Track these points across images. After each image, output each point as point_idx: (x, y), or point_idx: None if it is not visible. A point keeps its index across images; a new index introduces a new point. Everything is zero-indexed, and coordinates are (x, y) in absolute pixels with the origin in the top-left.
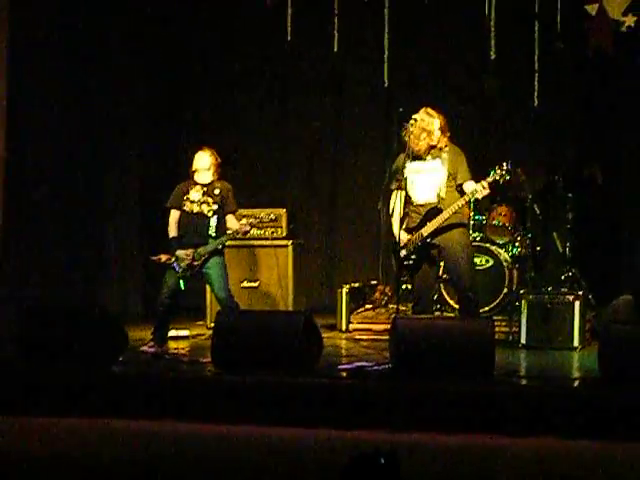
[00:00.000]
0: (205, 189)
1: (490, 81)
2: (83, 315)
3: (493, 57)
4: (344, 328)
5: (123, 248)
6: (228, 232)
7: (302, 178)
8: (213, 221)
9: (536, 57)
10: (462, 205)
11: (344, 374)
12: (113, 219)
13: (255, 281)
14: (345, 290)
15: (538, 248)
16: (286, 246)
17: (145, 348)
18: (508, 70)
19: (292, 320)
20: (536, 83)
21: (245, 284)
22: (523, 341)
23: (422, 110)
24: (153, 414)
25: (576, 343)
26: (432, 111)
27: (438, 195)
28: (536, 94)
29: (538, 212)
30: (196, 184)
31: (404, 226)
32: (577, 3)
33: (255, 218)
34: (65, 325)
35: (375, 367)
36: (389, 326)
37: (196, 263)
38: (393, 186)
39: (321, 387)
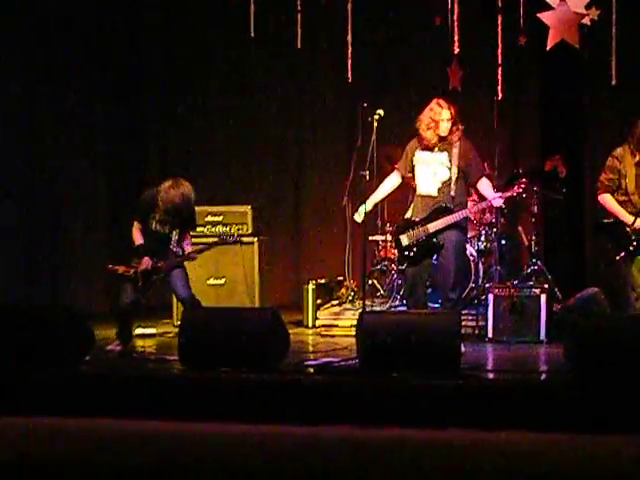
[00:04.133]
0: (170, 210)
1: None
2: (49, 315)
3: (457, 51)
4: (310, 324)
5: (90, 247)
6: (177, 258)
7: (267, 175)
8: (174, 237)
9: (500, 50)
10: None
11: (311, 370)
12: (80, 218)
13: (221, 278)
14: (311, 286)
15: (504, 242)
16: (252, 243)
17: (111, 347)
18: (472, 63)
19: (258, 317)
20: (499, 76)
21: (211, 281)
22: (489, 335)
23: (434, 100)
24: (120, 413)
25: (542, 336)
26: (443, 102)
27: (440, 190)
28: (499, 87)
29: (504, 205)
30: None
31: (410, 214)
32: None
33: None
34: (31, 325)
35: (342, 363)
36: (355, 321)
37: (155, 277)
38: (399, 169)
39: (288, 383)
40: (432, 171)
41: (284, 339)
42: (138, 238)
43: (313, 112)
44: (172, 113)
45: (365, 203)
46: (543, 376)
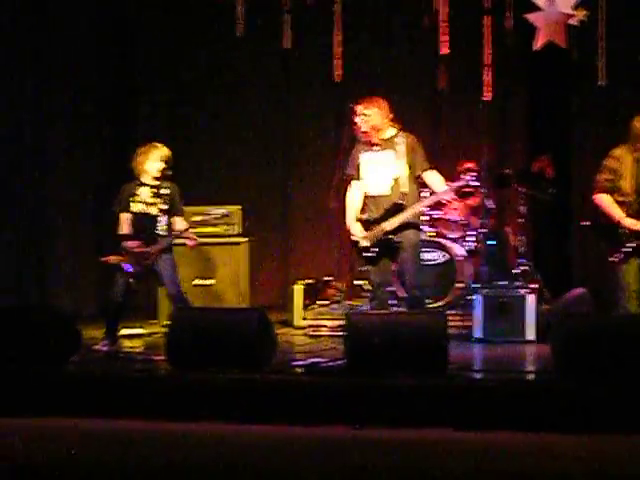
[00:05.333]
0: (154, 190)
1: None
2: (35, 315)
3: (445, 52)
4: (298, 324)
5: (75, 246)
6: (174, 233)
7: (256, 175)
8: (162, 221)
9: (487, 51)
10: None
11: (298, 370)
12: (65, 216)
13: (209, 279)
14: (299, 286)
15: (491, 242)
16: (240, 243)
17: (98, 347)
18: (459, 64)
19: (246, 317)
20: (487, 77)
21: (198, 282)
22: (477, 335)
23: (363, 100)
24: (106, 413)
25: (530, 337)
26: (371, 99)
27: (393, 188)
28: (487, 88)
29: (492, 206)
30: (143, 184)
31: (364, 216)
32: None
33: (205, 216)
34: (17, 325)
35: (329, 363)
36: (343, 322)
37: (147, 262)
38: (348, 174)
39: (275, 383)
40: (380, 170)
41: (272, 339)
42: (124, 228)
43: (301, 112)
44: (159, 114)
45: (352, 225)
46: (531, 376)
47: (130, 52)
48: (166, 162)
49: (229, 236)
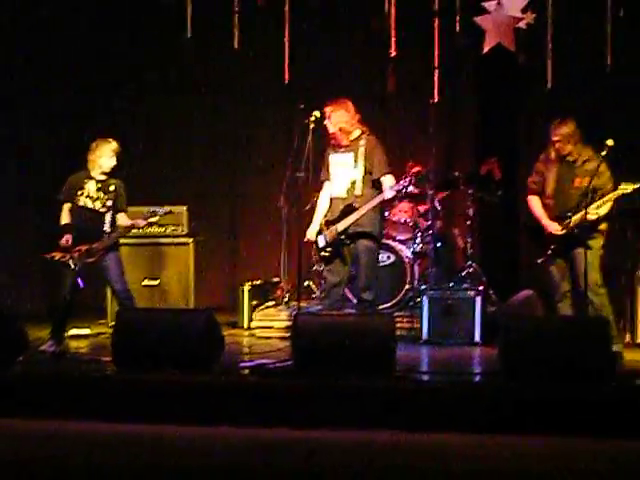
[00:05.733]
0: (100, 185)
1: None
2: None
3: (393, 54)
4: (246, 325)
5: (20, 246)
6: (119, 230)
7: (203, 175)
8: (107, 217)
9: (436, 53)
10: (375, 206)
11: (245, 372)
12: (9, 216)
13: (156, 279)
14: (247, 287)
15: (439, 244)
16: (187, 244)
17: (44, 347)
18: (408, 66)
19: (193, 318)
20: (436, 79)
21: (146, 282)
22: (424, 337)
23: (331, 102)
24: (53, 414)
25: (477, 338)
26: (337, 101)
27: (349, 190)
28: (436, 90)
29: (439, 207)
30: (91, 178)
31: (328, 217)
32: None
33: (149, 212)
34: None
35: (277, 364)
36: (290, 323)
37: (91, 260)
38: (322, 177)
39: (222, 385)
40: (341, 172)
41: (218, 341)
42: (64, 217)
43: (250, 113)
44: (107, 113)
45: (316, 224)
46: (477, 378)
47: (75, 51)
48: (117, 158)
49: (176, 237)
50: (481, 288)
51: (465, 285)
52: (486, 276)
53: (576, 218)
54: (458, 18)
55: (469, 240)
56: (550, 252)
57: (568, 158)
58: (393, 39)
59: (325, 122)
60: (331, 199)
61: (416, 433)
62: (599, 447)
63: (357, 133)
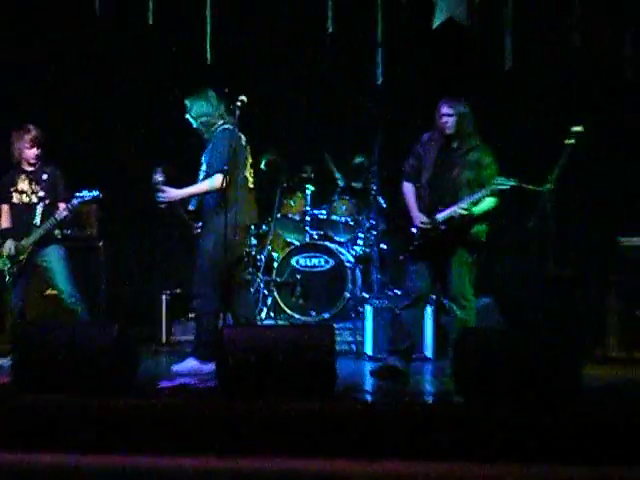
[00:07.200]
0: (32, 176)
1: None
2: None
3: (331, 30)
4: (165, 340)
5: None
6: (51, 221)
7: (116, 171)
8: (39, 209)
9: (379, 28)
10: None
11: (164, 393)
12: None
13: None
14: (165, 297)
15: (384, 246)
16: (97, 247)
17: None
18: (348, 43)
19: (103, 331)
20: (379, 57)
21: (49, 291)
22: (368, 352)
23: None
24: None
25: (428, 353)
26: None
27: None
28: (379, 70)
29: (385, 205)
30: (23, 172)
31: None
32: None
33: (75, 199)
34: None
35: (199, 384)
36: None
37: (21, 257)
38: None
39: (138, 408)
40: None
41: (133, 357)
42: (3, 222)
43: (167, 97)
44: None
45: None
46: (427, 398)
47: None
48: (39, 145)
49: (85, 239)
50: (433, 297)
51: None
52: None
53: (446, 214)
54: None
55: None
56: (412, 249)
57: (452, 144)
58: (331, 14)
59: None
60: None
61: (357, 461)
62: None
63: None
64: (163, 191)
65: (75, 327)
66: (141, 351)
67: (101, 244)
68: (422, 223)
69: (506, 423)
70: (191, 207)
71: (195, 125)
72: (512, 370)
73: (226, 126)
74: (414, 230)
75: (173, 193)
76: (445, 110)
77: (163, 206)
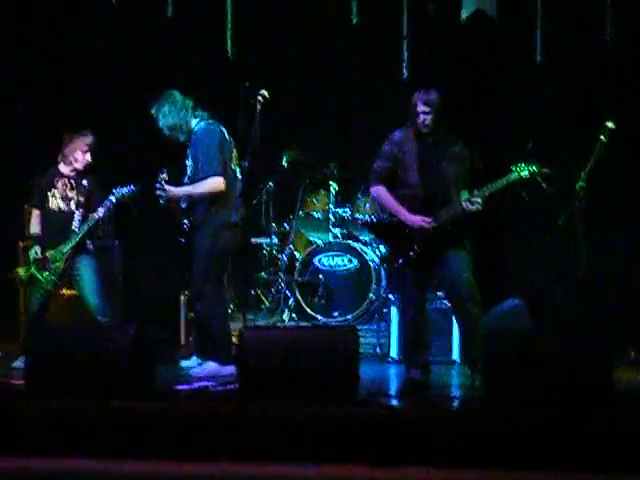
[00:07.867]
0: (72, 182)
1: None
2: None
3: (355, 21)
4: (184, 341)
5: None
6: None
7: (126, 164)
8: (77, 216)
9: (404, 21)
10: None
11: (183, 396)
12: None
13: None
14: (184, 297)
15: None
16: (113, 246)
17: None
18: (373, 36)
19: (121, 333)
20: (405, 51)
21: (65, 291)
22: (394, 354)
23: None
24: None
25: (456, 356)
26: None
27: None
28: (405, 64)
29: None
30: (62, 175)
31: None
32: None
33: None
34: None
35: (219, 387)
36: (236, 339)
37: (57, 264)
38: None
39: (157, 412)
40: None
41: (151, 359)
42: (33, 226)
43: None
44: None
45: None
46: (455, 403)
47: None
48: (92, 152)
49: (99, 238)
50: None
51: (441, 293)
52: None
53: (447, 210)
54: None
55: None
56: (412, 253)
57: (431, 139)
58: (355, 4)
59: None
60: None
61: (381, 468)
62: None
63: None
64: (164, 189)
65: (92, 328)
66: (160, 353)
67: (117, 243)
68: (426, 223)
69: (536, 429)
70: (183, 204)
71: (168, 134)
72: (543, 373)
73: (202, 123)
74: (411, 233)
75: (174, 191)
76: (422, 108)
77: (162, 201)
